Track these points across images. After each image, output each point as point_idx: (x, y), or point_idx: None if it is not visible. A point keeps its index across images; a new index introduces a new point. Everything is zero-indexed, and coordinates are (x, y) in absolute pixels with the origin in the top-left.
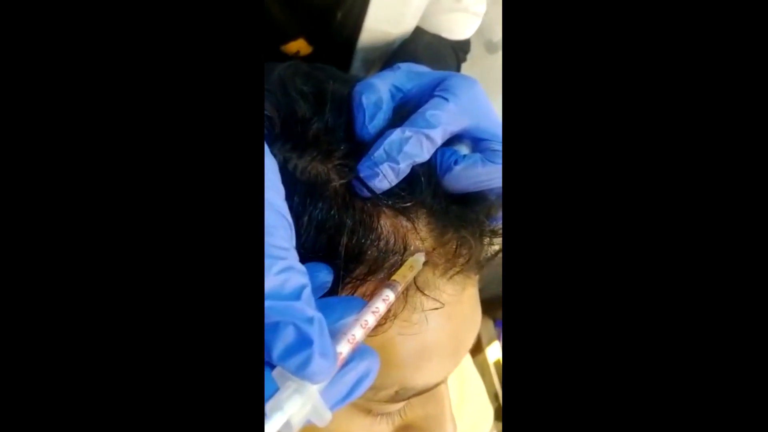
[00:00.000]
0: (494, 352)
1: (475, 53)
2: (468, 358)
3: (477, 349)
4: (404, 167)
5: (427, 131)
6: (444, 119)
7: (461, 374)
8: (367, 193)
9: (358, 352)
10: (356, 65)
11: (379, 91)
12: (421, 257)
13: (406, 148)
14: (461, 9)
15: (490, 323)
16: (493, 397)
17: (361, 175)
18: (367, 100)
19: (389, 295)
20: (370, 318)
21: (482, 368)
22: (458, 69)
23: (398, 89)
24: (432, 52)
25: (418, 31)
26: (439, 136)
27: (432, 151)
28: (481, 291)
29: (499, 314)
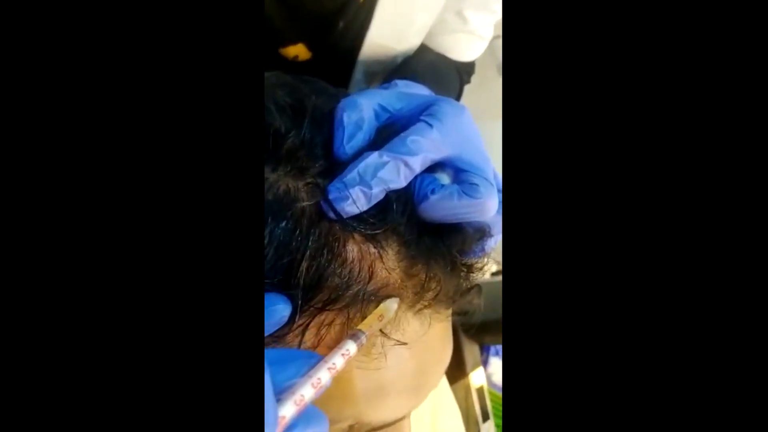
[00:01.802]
0: (478, 377)
1: (487, 75)
2: (446, 385)
3: (460, 375)
4: (377, 192)
5: (406, 158)
6: (425, 147)
7: (436, 402)
8: (333, 216)
9: (305, 416)
10: (357, 77)
11: (362, 110)
12: (393, 304)
13: (382, 174)
14: (467, 31)
15: (476, 348)
16: (474, 424)
17: (330, 197)
18: (348, 118)
19: (350, 349)
20: (324, 375)
21: (465, 394)
22: (460, 90)
23: (384, 109)
24: (434, 71)
25: (423, 49)
26: (418, 164)
27: (410, 178)
28: (469, 316)
29: (486, 340)
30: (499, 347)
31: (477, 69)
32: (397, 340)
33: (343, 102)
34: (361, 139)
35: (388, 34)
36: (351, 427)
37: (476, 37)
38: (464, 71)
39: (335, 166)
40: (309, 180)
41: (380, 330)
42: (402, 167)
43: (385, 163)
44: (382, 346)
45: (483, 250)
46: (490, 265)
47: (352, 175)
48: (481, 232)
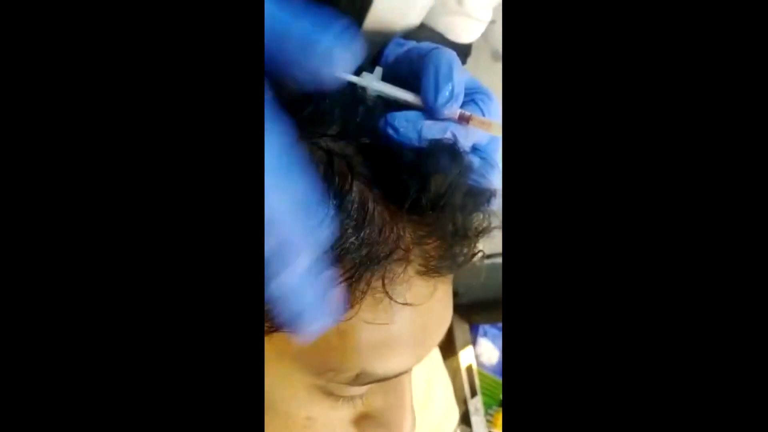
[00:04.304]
0: (467, 356)
1: (481, 61)
2: (439, 359)
3: (450, 352)
4: None
5: None
6: None
7: (430, 374)
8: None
9: None
10: None
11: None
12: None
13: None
14: (463, 13)
15: (466, 327)
16: (461, 401)
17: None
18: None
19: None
20: None
21: (454, 371)
22: None
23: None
24: None
25: (422, 28)
26: None
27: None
28: (460, 296)
29: (477, 319)
30: (487, 328)
31: (471, 55)
32: (403, 302)
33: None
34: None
35: (390, 10)
36: (358, 376)
37: (473, 19)
38: (461, 52)
39: (348, 130)
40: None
41: (386, 292)
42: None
43: None
44: (390, 305)
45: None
46: (492, 228)
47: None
48: (490, 194)
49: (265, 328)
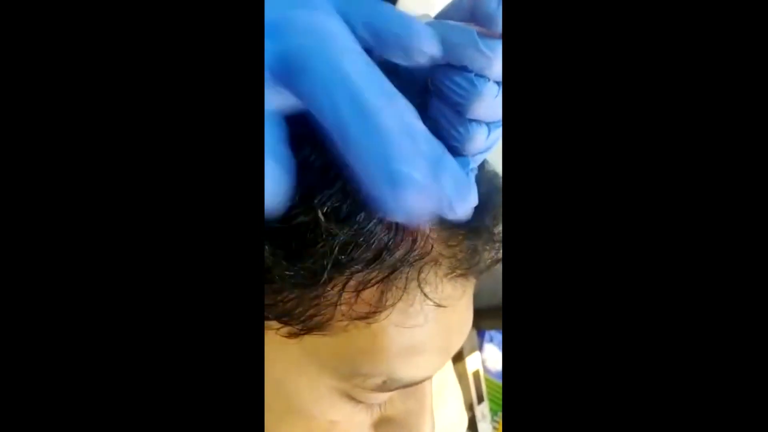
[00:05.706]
0: (474, 361)
1: None
2: (450, 364)
3: (458, 357)
4: None
5: None
6: None
7: (441, 379)
8: None
9: None
10: None
11: None
12: None
13: None
14: None
15: (474, 333)
16: (468, 407)
17: None
18: None
19: None
20: None
21: (461, 376)
22: None
23: None
24: None
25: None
26: None
27: None
28: None
29: (484, 324)
30: (493, 333)
31: None
32: (437, 303)
33: None
34: None
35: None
36: (384, 382)
37: None
38: None
39: None
40: None
41: (423, 292)
42: None
43: None
44: (421, 307)
45: None
46: None
47: None
48: None
49: (296, 331)
